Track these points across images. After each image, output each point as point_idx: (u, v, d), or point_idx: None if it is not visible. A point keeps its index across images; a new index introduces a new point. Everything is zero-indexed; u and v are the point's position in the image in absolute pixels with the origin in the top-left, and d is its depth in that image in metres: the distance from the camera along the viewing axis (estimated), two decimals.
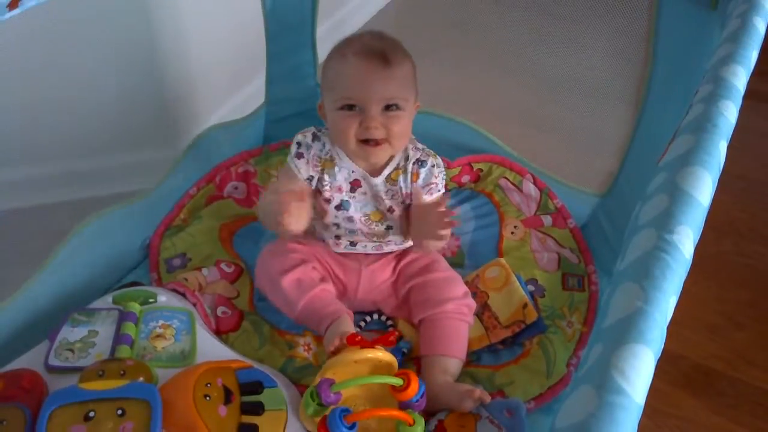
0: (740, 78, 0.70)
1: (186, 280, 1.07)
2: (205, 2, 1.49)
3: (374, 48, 0.94)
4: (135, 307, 0.90)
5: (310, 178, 1.03)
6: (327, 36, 1.79)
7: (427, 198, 1.04)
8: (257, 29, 1.30)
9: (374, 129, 0.95)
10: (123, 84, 1.42)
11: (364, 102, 0.94)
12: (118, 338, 0.84)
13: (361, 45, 0.96)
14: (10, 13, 0.71)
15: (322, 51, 1.41)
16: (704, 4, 0.93)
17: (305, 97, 1.43)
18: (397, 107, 0.95)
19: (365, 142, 0.96)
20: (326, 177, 1.02)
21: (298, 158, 1.02)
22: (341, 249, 1.07)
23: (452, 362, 0.97)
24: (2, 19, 0.71)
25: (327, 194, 1.02)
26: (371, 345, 0.86)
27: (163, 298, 0.94)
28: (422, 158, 1.03)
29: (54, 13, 1.09)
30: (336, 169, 1.02)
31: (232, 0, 1.52)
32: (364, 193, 1.03)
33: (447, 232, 0.96)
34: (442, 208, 0.94)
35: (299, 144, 1.03)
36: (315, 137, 1.03)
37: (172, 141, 1.54)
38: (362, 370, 0.87)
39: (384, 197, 1.03)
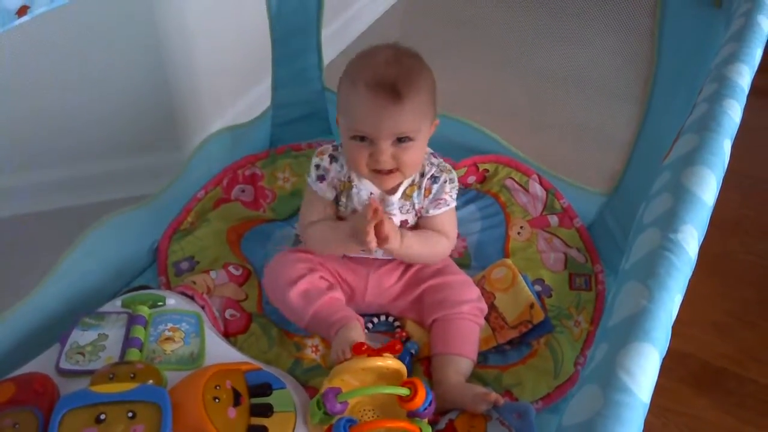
0: (744, 77, 0.70)
1: (194, 283, 1.07)
2: (211, 7, 1.50)
3: (386, 79, 0.90)
4: (144, 310, 0.90)
5: (335, 199, 1.04)
6: (332, 39, 1.81)
7: (435, 212, 1.04)
8: (263, 33, 1.31)
9: (384, 162, 0.95)
10: (130, 89, 1.43)
11: (374, 136, 0.93)
12: (128, 341, 0.84)
13: (372, 74, 0.91)
14: (19, 20, 0.72)
15: (328, 54, 1.42)
16: (708, 2, 0.93)
17: (311, 101, 1.43)
18: (409, 138, 0.94)
19: (377, 170, 0.96)
20: (343, 198, 1.02)
21: (320, 181, 1.03)
22: (351, 253, 1.08)
23: (465, 362, 0.97)
24: (11, 26, 0.72)
25: (342, 214, 1.03)
26: (378, 353, 0.86)
27: (172, 301, 0.95)
28: (436, 174, 1.03)
29: (61, 21, 1.10)
30: (354, 191, 1.02)
31: (237, 4, 1.53)
32: None
33: (382, 232, 0.94)
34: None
35: (318, 167, 1.03)
36: (332, 159, 1.03)
37: (179, 145, 1.55)
38: (370, 377, 0.87)
39: (399, 213, 1.03)
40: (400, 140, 0.94)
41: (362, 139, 0.94)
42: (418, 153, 0.97)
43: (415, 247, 1.01)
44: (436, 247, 1.05)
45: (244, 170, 1.31)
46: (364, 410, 0.87)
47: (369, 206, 0.93)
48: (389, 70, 0.91)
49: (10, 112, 1.33)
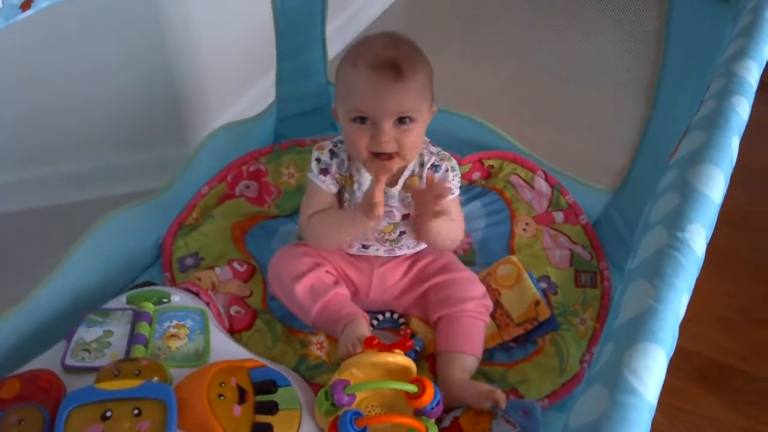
0: (752, 73, 0.69)
1: (199, 279, 1.07)
2: (216, 1, 1.50)
3: (387, 59, 0.91)
4: (149, 307, 0.90)
5: (339, 192, 1.03)
6: (337, 33, 1.80)
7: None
8: (267, 28, 1.30)
9: (385, 143, 0.94)
10: (134, 84, 1.43)
11: (376, 116, 0.92)
12: (133, 338, 0.84)
13: (373, 55, 0.92)
14: (23, 15, 0.72)
15: (332, 48, 1.42)
16: None
17: (315, 95, 1.43)
18: (410, 119, 0.94)
19: (377, 154, 0.96)
20: (346, 195, 1.02)
21: (323, 174, 1.02)
22: (353, 251, 1.07)
23: (470, 360, 0.97)
24: (15, 20, 0.72)
25: (346, 210, 1.03)
26: (388, 349, 0.86)
27: (177, 297, 0.94)
28: (437, 163, 1.02)
29: (65, 15, 1.09)
30: (356, 186, 1.02)
31: None
32: None
33: (441, 206, 0.93)
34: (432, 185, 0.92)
35: (319, 160, 1.02)
36: (332, 154, 1.02)
37: (184, 140, 1.55)
38: (378, 373, 0.87)
39: (402, 206, 1.02)
40: (401, 122, 0.93)
41: (363, 120, 0.94)
42: (418, 136, 0.97)
43: (443, 224, 1.01)
44: (454, 228, 1.05)
45: (249, 166, 1.30)
46: (371, 406, 0.87)
47: (374, 178, 0.93)
48: (390, 51, 0.92)
49: (13, 106, 1.33)
